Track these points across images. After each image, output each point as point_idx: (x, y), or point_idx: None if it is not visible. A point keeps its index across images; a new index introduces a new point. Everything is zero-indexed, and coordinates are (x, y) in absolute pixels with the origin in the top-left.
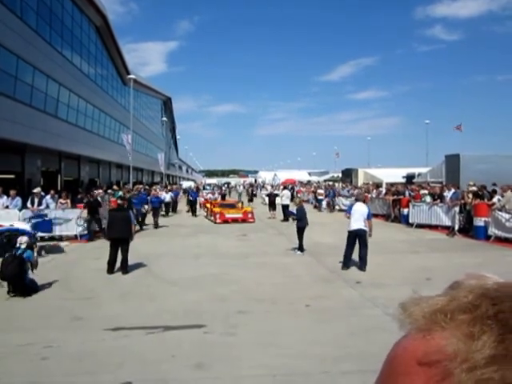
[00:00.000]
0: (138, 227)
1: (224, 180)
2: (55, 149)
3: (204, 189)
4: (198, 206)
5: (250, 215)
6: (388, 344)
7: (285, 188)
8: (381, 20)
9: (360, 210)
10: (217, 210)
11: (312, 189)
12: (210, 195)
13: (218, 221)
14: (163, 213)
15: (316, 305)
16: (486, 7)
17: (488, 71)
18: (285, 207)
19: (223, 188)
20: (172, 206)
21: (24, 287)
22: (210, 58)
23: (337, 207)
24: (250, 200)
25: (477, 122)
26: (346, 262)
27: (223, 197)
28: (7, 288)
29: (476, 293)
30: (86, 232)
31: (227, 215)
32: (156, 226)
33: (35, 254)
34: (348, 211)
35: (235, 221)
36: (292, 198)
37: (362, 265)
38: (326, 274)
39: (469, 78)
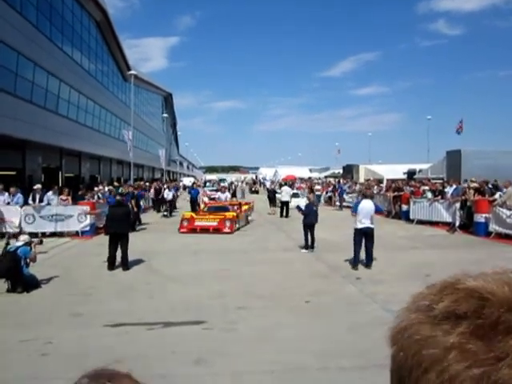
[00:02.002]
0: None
1: (221, 176)
2: (56, 145)
3: (205, 186)
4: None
5: (228, 223)
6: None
7: (284, 184)
8: (382, 15)
9: (367, 207)
10: (188, 214)
11: (308, 184)
12: (219, 194)
13: (181, 230)
14: (166, 213)
15: (315, 301)
16: (489, 1)
17: (490, 67)
18: (284, 204)
19: (230, 185)
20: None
21: (23, 281)
22: (210, 54)
23: (337, 203)
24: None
25: (478, 118)
26: (356, 261)
27: (233, 195)
28: (7, 286)
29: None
30: (87, 228)
31: (197, 222)
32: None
33: (33, 250)
34: (354, 209)
35: (206, 230)
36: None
37: (368, 263)
38: (326, 270)
39: (470, 73)
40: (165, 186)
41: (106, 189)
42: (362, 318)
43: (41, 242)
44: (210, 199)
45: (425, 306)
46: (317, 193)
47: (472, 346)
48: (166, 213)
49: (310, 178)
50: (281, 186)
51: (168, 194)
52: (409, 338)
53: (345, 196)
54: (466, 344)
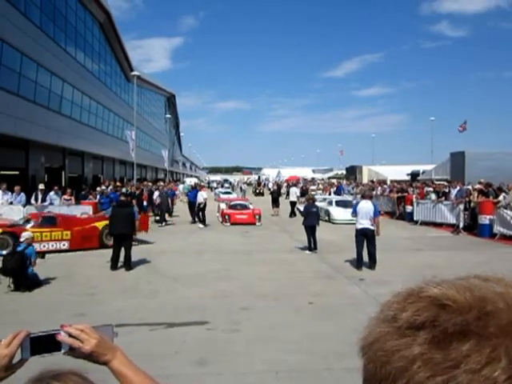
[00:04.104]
0: None
1: (224, 177)
2: (59, 145)
3: (210, 187)
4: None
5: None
6: None
7: (293, 185)
8: (386, 16)
9: (365, 207)
10: None
11: (302, 185)
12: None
13: None
14: (158, 217)
15: (319, 301)
16: (492, 3)
17: (495, 68)
18: (292, 204)
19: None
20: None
21: (26, 281)
22: (213, 55)
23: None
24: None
25: (483, 119)
26: (360, 262)
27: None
28: (9, 283)
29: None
30: None
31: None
32: None
33: (35, 255)
34: (353, 210)
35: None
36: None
37: (371, 264)
38: (329, 271)
39: (475, 74)
40: (154, 188)
41: (109, 188)
42: (366, 319)
43: (43, 257)
44: (231, 206)
45: (390, 317)
46: (312, 193)
47: (433, 356)
48: (158, 217)
49: (313, 178)
50: (288, 186)
51: (157, 198)
52: (376, 351)
53: (346, 196)
54: (427, 354)
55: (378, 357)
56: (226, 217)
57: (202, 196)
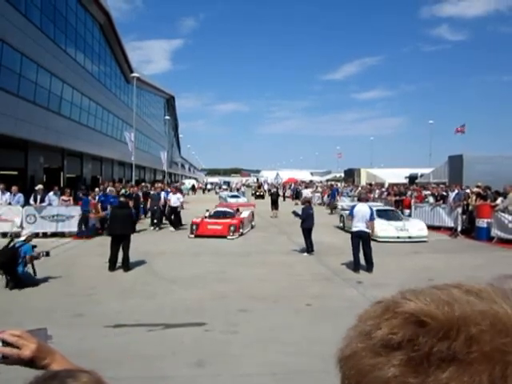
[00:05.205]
0: None
1: (223, 179)
2: (58, 146)
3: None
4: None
5: None
6: None
7: (305, 187)
8: (386, 19)
9: (362, 210)
10: None
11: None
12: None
13: None
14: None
15: (317, 304)
16: (492, 7)
17: (494, 72)
18: None
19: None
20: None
21: (16, 278)
22: (212, 57)
23: (339, 207)
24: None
25: (482, 123)
26: (357, 265)
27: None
28: (5, 279)
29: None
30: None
31: None
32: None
33: (35, 250)
34: (350, 213)
35: None
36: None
37: (368, 267)
38: (327, 273)
39: (474, 78)
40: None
41: (108, 190)
42: None
43: (47, 255)
44: (213, 214)
45: (365, 332)
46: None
47: (407, 380)
48: (155, 221)
49: (311, 181)
50: (285, 188)
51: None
52: (352, 368)
53: (343, 198)
54: (402, 378)
55: (352, 375)
56: (194, 227)
57: (178, 199)
